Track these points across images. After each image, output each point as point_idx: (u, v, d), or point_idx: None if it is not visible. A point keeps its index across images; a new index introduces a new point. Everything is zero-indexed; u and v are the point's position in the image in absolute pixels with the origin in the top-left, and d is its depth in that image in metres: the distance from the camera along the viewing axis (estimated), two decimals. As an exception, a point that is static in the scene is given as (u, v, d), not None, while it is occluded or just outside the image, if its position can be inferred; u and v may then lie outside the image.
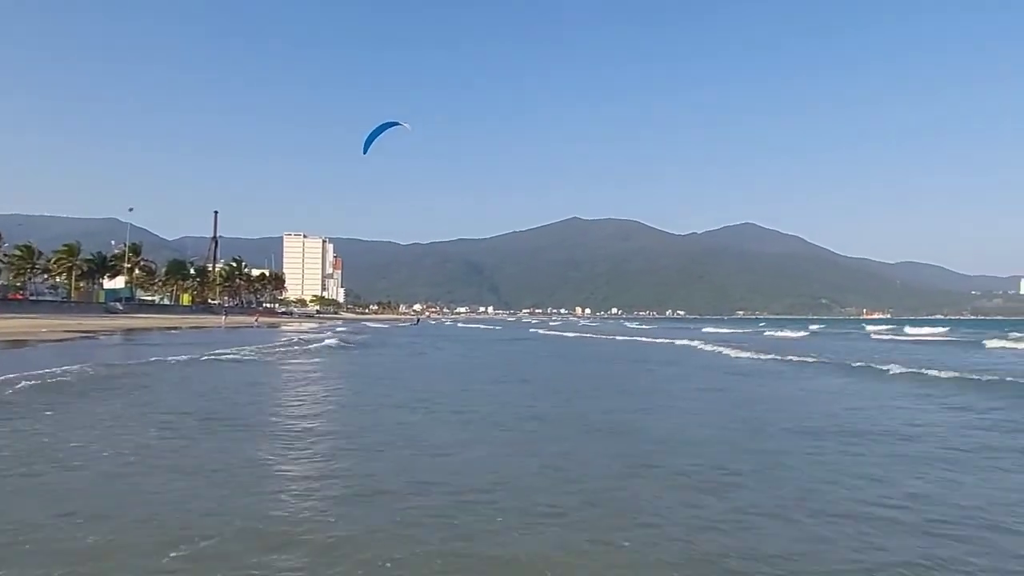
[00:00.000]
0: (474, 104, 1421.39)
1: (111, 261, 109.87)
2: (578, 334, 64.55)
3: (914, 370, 19.27)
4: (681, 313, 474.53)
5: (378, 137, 38.13)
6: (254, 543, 5.09)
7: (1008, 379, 17.09)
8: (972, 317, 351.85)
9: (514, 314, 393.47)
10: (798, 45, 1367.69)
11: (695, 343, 37.79)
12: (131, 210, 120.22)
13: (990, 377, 17.54)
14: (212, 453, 8.21)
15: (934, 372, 18.45)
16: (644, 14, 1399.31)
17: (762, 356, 27.14)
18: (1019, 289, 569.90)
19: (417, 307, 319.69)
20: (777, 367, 23.04)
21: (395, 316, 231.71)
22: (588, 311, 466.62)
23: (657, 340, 46.61)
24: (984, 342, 40.70)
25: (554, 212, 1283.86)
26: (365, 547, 5.04)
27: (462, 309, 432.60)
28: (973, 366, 21.69)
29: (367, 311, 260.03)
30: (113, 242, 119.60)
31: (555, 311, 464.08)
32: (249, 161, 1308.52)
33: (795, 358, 25.81)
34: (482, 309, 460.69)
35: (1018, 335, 47.13)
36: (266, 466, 7.64)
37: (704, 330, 71.91)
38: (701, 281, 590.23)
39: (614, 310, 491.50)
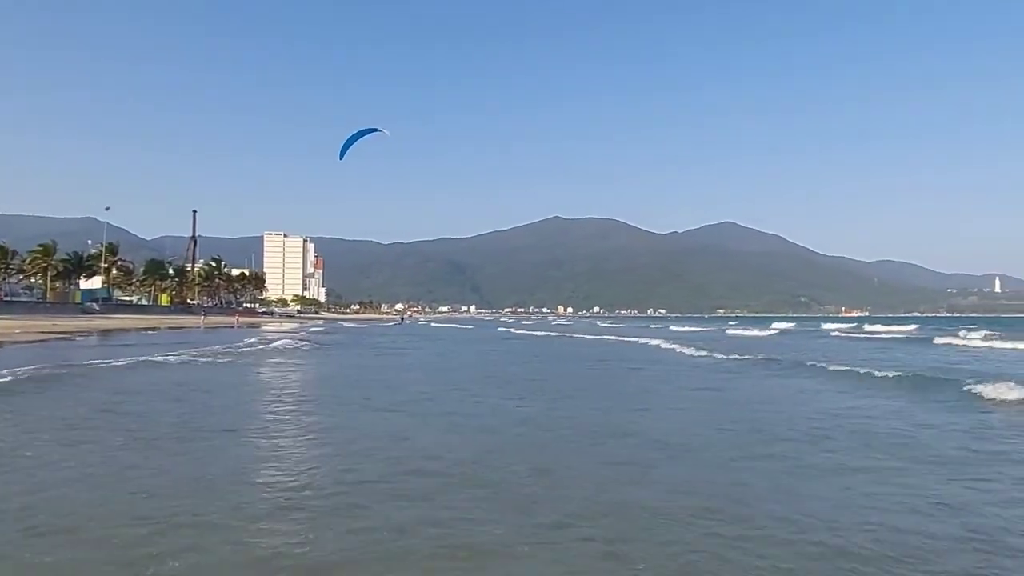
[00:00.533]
0: (455, 103, 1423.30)
1: (88, 261, 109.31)
2: (547, 333, 65.86)
3: (848, 367, 20.50)
4: (662, 312, 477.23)
5: (355, 143, 39.19)
6: (232, 562, 4.85)
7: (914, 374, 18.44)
8: (948, 315, 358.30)
9: (495, 313, 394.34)
10: (778, 45, 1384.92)
11: (656, 342, 39.07)
12: (108, 209, 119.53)
13: (931, 375, 18.29)
14: (185, 462, 7.89)
15: (872, 370, 19.28)
16: (626, 13, 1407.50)
17: (716, 355, 27.77)
18: (994, 287, 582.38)
19: (399, 306, 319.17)
20: (731, 365, 23.63)
21: (377, 316, 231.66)
22: (570, 310, 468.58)
23: (623, 339, 48.15)
24: (935, 339, 42.68)
25: (535, 211, 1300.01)
26: (352, 566, 4.79)
27: (444, 308, 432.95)
28: (909, 364, 23.06)
29: (349, 311, 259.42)
30: (90, 242, 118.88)
31: (537, 310, 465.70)
32: (229, 160, 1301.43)
33: (746, 356, 26.70)
34: (464, 308, 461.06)
35: (967, 333, 49.31)
36: (243, 477, 7.24)
37: (671, 328, 73.74)
38: (681, 280, 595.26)
39: (596, 309, 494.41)
